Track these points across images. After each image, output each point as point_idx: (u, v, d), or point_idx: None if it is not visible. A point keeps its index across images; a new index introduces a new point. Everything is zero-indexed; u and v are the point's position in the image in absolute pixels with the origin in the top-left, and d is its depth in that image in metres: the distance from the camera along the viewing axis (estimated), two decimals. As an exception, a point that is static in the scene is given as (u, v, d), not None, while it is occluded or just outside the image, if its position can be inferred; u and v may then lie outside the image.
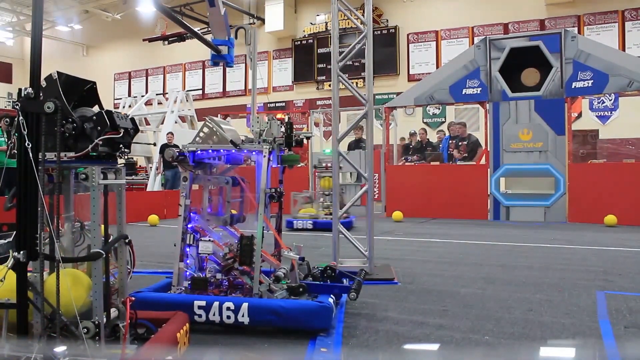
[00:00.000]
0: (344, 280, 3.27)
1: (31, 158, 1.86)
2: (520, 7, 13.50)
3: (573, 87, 8.39)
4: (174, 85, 18.12)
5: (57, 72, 2.03)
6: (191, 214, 3.05)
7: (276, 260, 3.01)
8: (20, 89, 1.91)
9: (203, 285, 2.92)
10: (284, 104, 16.54)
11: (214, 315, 2.72)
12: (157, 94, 15.75)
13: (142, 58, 18.59)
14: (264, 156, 2.97)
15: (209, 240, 3.01)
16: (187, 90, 15.85)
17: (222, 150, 2.98)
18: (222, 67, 17.18)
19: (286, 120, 3.14)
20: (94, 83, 2.23)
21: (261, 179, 3.00)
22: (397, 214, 8.89)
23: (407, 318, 2.99)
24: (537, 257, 5.11)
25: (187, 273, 3.01)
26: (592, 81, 8.23)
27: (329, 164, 7.47)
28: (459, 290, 3.67)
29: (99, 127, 2.01)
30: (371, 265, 4.14)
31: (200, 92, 17.79)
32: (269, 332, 2.75)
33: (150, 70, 18.95)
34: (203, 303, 2.74)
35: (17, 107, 1.88)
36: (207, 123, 3.00)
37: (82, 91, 2.19)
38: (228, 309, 2.71)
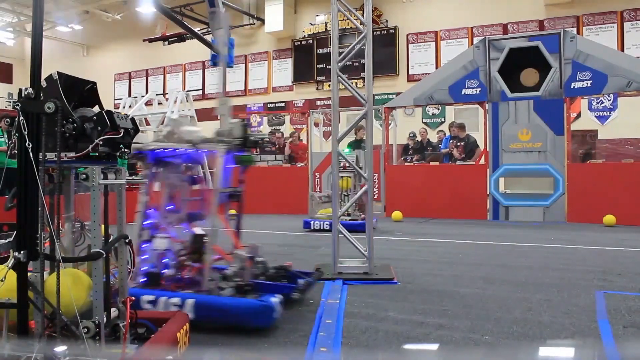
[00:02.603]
0: (301, 281, 3.29)
1: (31, 158, 1.85)
2: (520, 7, 13.50)
3: (572, 87, 8.40)
4: (174, 85, 18.10)
5: (58, 72, 2.03)
6: (149, 211, 3.14)
7: (230, 258, 3.05)
8: (20, 89, 1.91)
9: (156, 280, 3.01)
10: (283, 104, 16.54)
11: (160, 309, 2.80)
12: (157, 94, 15.72)
13: (142, 58, 18.58)
14: (219, 156, 3.03)
15: (166, 236, 3.08)
16: (187, 91, 15.83)
17: (181, 149, 3.05)
18: (222, 68, 17.19)
19: (244, 121, 3.21)
20: (94, 83, 2.23)
21: (216, 179, 3.06)
22: (397, 214, 8.90)
23: (407, 318, 3.00)
24: (536, 257, 5.12)
25: (145, 268, 3.06)
26: (591, 81, 8.25)
27: (347, 164, 7.31)
28: (458, 290, 3.67)
29: (99, 127, 2.01)
30: (371, 265, 4.14)
31: (200, 92, 17.79)
32: (269, 332, 2.76)
33: (151, 70, 18.94)
34: (151, 298, 2.83)
35: (18, 107, 1.88)
36: (169, 123, 3.08)
37: (83, 91, 2.19)
38: (174, 304, 2.79)
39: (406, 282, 3.94)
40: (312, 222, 7.57)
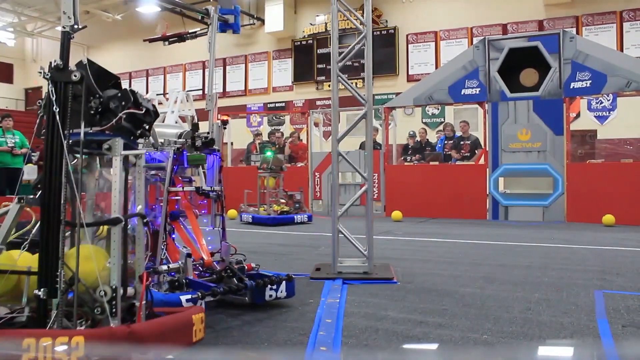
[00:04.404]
0: (261, 281, 3.23)
1: (59, 125, 2.01)
2: (519, 7, 13.51)
3: (571, 87, 8.41)
4: (174, 85, 18.12)
5: (87, 59, 2.18)
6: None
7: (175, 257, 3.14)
8: (50, 62, 2.10)
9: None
10: (283, 104, 16.55)
11: None
12: (157, 94, 15.74)
13: (142, 58, 18.58)
14: (169, 157, 3.13)
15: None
16: (188, 91, 15.82)
17: (154, 153, 3.17)
18: (222, 68, 17.18)
19: (195, 120, 3.30)
20: (119, 78, 2.31)
21: (166, 178, 3.14)
22: (397, 214, 8.91)
23: (406, 317, 3.01)
24: (535, 256, 5.13)
25: None
26: (590, 81, 8.26)
27: (265, 165, 8.63)
28: (458, 290, 3.68)
29: (123, 103, 2.13)
30: (371, 265, 4.15)
31: (200, 92, 17.80)
32: (269, 332, 2.77)
33: (151, 70, 18.96)
34: None
35: (47, 77, 2.05)
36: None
37: (108, 84, 2.27)
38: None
39: (406, 282, 3.94)
40: (243, 216, 8.79)
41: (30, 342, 1.78)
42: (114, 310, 2.00)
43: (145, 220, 2.32)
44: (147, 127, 2.26)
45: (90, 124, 2.09)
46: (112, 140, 2.13)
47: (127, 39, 18.58)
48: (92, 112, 2.09)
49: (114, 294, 2.01)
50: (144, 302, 2.17)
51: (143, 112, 2.18)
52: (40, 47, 21.04)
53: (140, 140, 2.40)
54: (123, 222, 2.11)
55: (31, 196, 2.23)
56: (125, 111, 2.12)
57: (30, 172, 4.53)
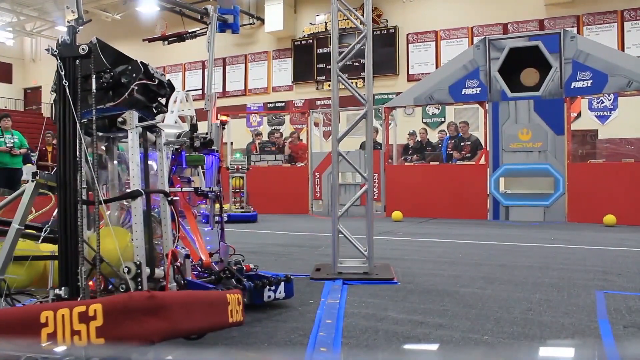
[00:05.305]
0: (260, 282, 3.19)
1: (70, 101, 1.98)
2: (520, 7, 13.51)
3: (572, 87, 8.40)
4: (173, 85, 18.13)
5: (97, 38, 2.14)
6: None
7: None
8: (58, 39, 2.10)
9: None
10: (283, 104, 16.54)
11: None
12: (156, 94, 15.74)
13: (141, 58, 18.39)
14: (167, 158, 3.09)
15: None
16: (187, 90, 15.82)
17: (152, 153, 3.15)
18: (222, 68, 17.18)
19: (194, 121, 3.27)
20: (131, 60, 2.27)
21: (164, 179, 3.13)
22: (397, 214, 8.90)
23: (407, 318, 3.00)
24: (536, 256, 5.12)
25: None
26: (591, 81, 8.25)
27: (239, 166, 9.22)
28: (458, 290, 3.67)
29: (134, 75, 2.09)
30: (371, 265, 4.14)
31: (200, 92, 17.80)
32: (269, 332, 2.76)
33: (150, 70, 18.97)
34: None
35: (55, 53, 2.04)
36: None
37: (121, 64, 2.23)
38: None
39: (406, 282, 3.93)
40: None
41: (48, 314, 1.68)
42: (139, 287, 1.94)
43: (169, 199, 2.24)
44: (162, 100, 2.19)
45: (103, 102, 2.03)
46: (126, 113, 2.06)
47: (127, 39, 18.52)
48: (103, 88, 2.02)
49: (139, 270, 1.95)
50: (173, 284, 2.10)
51: (156, 83, 2.11)
52: (39, 46, 21.03)
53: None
54: (143, 195, 2.04)
55: (46, 172, 2.17)
56: (137, 82, 2.05)
57: (29, 172, 4.52)
